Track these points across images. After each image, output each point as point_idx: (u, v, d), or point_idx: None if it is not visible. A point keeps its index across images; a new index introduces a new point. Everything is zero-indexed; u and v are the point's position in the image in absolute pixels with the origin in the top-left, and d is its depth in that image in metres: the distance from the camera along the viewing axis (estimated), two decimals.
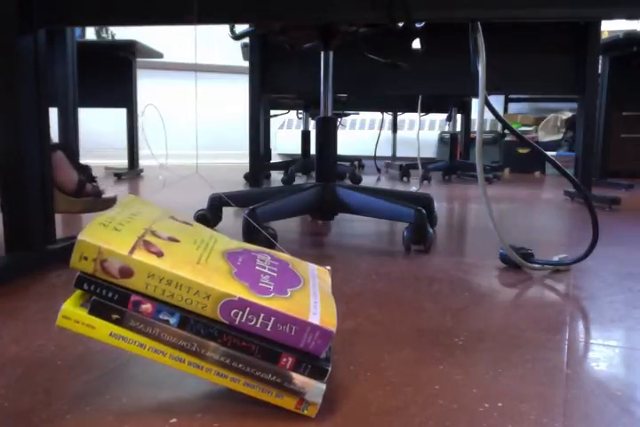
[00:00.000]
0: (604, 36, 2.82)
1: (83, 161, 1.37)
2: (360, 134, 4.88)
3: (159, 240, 0.55)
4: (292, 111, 4.40)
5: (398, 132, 4.56)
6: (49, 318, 0.80)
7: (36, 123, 1.08)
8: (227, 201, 1.53)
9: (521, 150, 4.08)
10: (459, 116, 3.85)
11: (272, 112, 3.95)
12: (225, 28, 1.71)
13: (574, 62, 2.19)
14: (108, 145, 4.35)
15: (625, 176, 3.50)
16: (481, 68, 1.01)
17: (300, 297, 0.56)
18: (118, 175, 3.14)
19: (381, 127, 4.17)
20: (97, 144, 4.26)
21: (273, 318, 0.51)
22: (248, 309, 0.51)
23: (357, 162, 4.23)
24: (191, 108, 4.77)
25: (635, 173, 3.63)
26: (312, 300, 0.56)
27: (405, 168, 3.33)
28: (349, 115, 4.18)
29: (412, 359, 0.67)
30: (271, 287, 0.55)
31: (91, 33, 3.38)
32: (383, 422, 0.52)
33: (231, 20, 1.13)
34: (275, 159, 4.59)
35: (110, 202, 1.34)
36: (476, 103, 3.84)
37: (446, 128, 4.53)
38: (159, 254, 0.53)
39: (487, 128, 4.43)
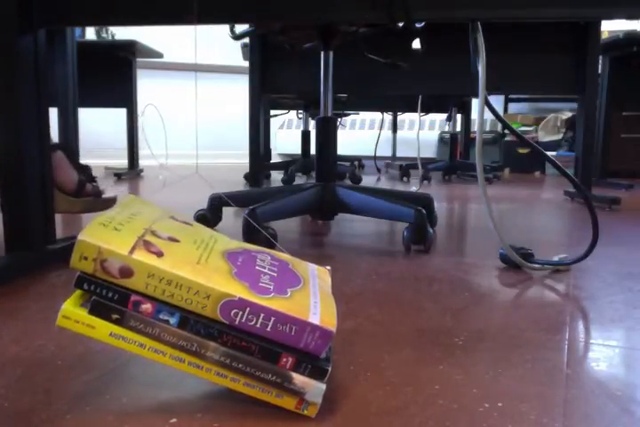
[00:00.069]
0: (604, 36, 2.82)
1: (83, 161, 1.36)
2: (360, 134, 4.88)
3: (159, 240, 0.55)
4: (292, 111, 4.40)
5: (398, 132, 4.56)
6: (49, 318, 0.80)
7: (36, 123, 1.08)
8: (227, 201, 1.53)
9: (521, 150, 4.08)
10: (459, 116, 3.85)
11: (272, 112, 3.95)
12: (225, 28, 1.71)
13: (574, 62, 2.19)
14: (108, 145, 4.35)
15: (625, 176, 3.50)
16: (481, 68, 1.01)
17: (300, 297, 0.56)
18: (118, 175, 3.14)
19: (381, 127, 4.17)
20: (97, 144, 4.26)
21: (273, 318, 0.51)
22: (248, 309, 0.51)
23: (357, 162, 4.23)
24: (191, 108, 4.77)
25: (635, 173, 3.63)
26: (312, 300, 0.56)
27: (405, 168, 3.33)
28: (349, 115, 4.18)
29: (412, 359, 0.67)
30: (271, 287, 0.55)
31: (91, 33, 3.38)
32: (383, 422, 0.52)
33: (231, 20, 1.13)
34: (275, 159, 4.59)
35: (110, 202, 1.34)
36: (476, 103, 3.84)
37: (446, 128, 4.53)
38: (159, 254, 0.53)
39: (487, 128, 4.43)
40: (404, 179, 3.30)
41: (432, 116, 4.63)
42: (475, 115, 4.01)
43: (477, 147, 1.05)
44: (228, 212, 1.84)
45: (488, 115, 4.07)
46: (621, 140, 3.67)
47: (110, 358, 0.65)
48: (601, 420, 0.53)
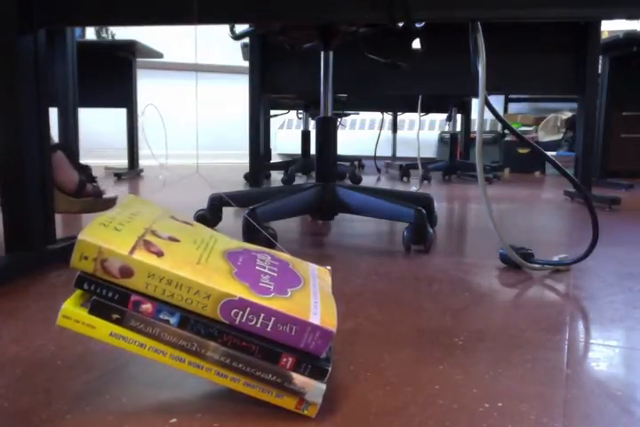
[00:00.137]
0: (604, 36, 2.82)
1: (83, 161, 1.36)
2: (360, 134, 4.88)
3: (159, 240, 0.55)
4: (292, 111, 4.40)
5: (398, 132, 4.56)
6: (49, 318, 0.80)
7: (36, 123, 1.08)
8: (227, 201, 1.53)
9: (521, 150, 4.08)
10: (459, 116, 3.85)
11: (272, 112, 3.95)
12: (225, 28, 1.71)
13: (574, 62, 2.19)
14: (108, 145, 4.35)
15: (625, 176, 3.50)
16: (481, 68, 1.01)
17: (301, 297, 0.56)
18: (118, 175, 3.14)
19: (381, 127, 4.17)
20: (97, 144, 4.26)
21: (273, 318, 0.51)
22: (248, 309, 0.51)
23: (357, 162, 4.23)
24: (191, 108, 4.77)
25: (635, 173, 3.63)
26: (312, 300, 0.56)
27: (405, 168, 3.33)
28: (349, 115, 4.18)
29: (412, 359, 0.67)
30: (271, 287, 0.55)
31: (91, 33, 3.38)
32: (383, 422, 0.52)
33: (231, 20, 1.13)
34: (275, 159, 4.60)
35: (111, 202, 1.34)
36: (476, 103, 3.84)
37: (446, 128, 4.53)
38: (159, 254, 0.53)
39: (487, 128, 4.43)
40: (404, 179, 3.30)
41: (432, 116, 4.63)
42: (475, 115, 4.01)
43: (477, 147, 1.05)
44: (228, 212, 1.84)
45: (488, 115, 4.07)
46: (621, 140, 3.67)
47: (110, 358, 0.65)
48: (601, 420, 0.53)
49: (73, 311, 0.52)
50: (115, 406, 0.54)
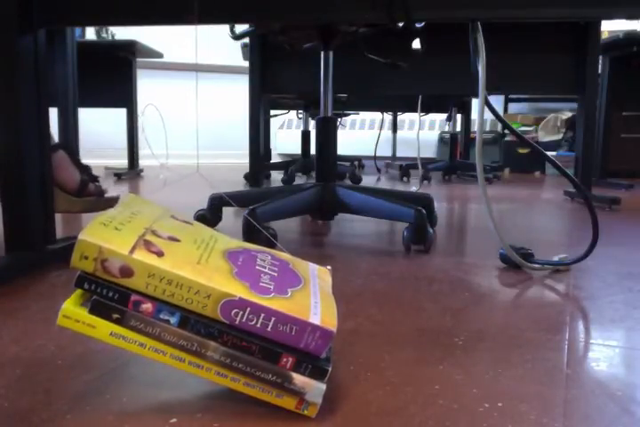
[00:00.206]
0: (604, 36, 2.82)
1: (82, 161, 1.36)
2: (360, 134, 4.88)
3: (160, 240, 0.55)
4: (292, 111, 4.40)
5: (398, 132, 4.56)
6: (49, 318, 0.80)
7: (36, 123, 1.08)
8: (227, 201, 1.53)
9: (521, 150, 4.08)
10: (459, 116, 3.85)
11: (272, 112, 3.95)
12: (225, 28, 1.71)
13: (574, 62, 2.19)
14: (108, 145, 4.35)
15: (625, 176, 3.50)
16: (481, 68, 1.01)
17: (301, 297, 0.56)
18: (118, 175, 3.14)
19: (381, 127, 4.17)
20: (97, 144, 4.26)
21: (273, 318, 0.51)
22: (248, 309, 0.51)
23: (357, 162, 4.23)
24: (191, 108, 4.77)
25: (635, 173, 3.63)
26: (312, 300, 0.56)
27: (405, 168, 3.33)
28: (349, 115, 4.18)
29: (412, 359, 0.67)
30: (272, 287, 0.55)
31: (91, 33, 3.38)
32: (383, 422, 0.52)
33: (231, 20, 1.13)
34: (275, 159, 4.59)
35: (113, 201, 1.34)
36: (476, 103, 3.84)
37: (446, 128, 4.53)
38: (159, 254, 0.53)
39: (487, 128, 4.43)
40: (404, 179, 3.30)
41: (432, 116, 4.63)
42: (475, 115, 4.01)
43: (477, 147, 1.05)
44: (228, 212, 1.84)
45: (488, 115, 4.07)
46: (621, 140, 3.67)
47: (110, 358, 0.65)
48: (601, 420, 0.53)
49: (73, 311, 0.52)
50: (115, 406, 0.54)
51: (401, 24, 1.30)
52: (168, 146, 4.29)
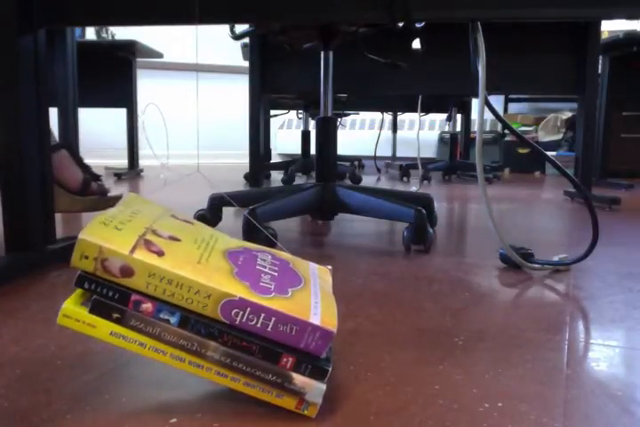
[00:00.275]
0: (604, 36, 2.82)
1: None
2: (360, 134, 4.88)
3: (160, 239, 0.55)
4: (292, 111, 4.40)
5: (398, 132, 4.56)
6: (49, 317, 0.80)
7: (36, 123, 1.08)
8: (227, 201, 1.53)
9: (521, 150, 4.08)
10: (459, 116, 3.85)
11: (272, 112, 3.95)
12: (225, 28, 1.71)
13: (574, 62, 2.19)
14: (108, 145, 4.35)
15: (625, 176, 3.50)
16: (481, 68, 1.01)
17: (301, 297, 0.56)
18: (118, 175, 3.14)
19: (381, 127, 4.17)
20: (97, 144, 4.26)
21: (274, 318, 0.51)
22: (249, 309, 0.51)
23: (357, 162, 4.23)
24: (191, 108, 4.77)
25: (635, 173, 3.63)
26: (313, 300, 0.56)
27: (405, 168, 3.33)
28: (349, 115, 4.18)
29: (412, 359, 0.67)
30: (272, 287, 0.55)
31: (91, 33, 3.38)
32: (383, 422, 0.52)
33: (231, 20, 1.13)
34: (275, 159, 4.59)
35: (115, 200, 1.33)
36: (476, 103, 3.84)
37: (446, 128, 4.53)
38: (160, 254, 0.53)
39: (487, 128, 4.43)
40: (404, 179, 3.30)
41: (432, 116, 4.63)
42: (475, 115, 4.01)
43: (477, 147, 1.05)
44: (228, 212, 1.84)
45: (488, 115, 4.07)
46: (621, 140, 3.67)
47: (110, 358, 0.65)
48: (601, 420, 0.53)
49: (73, 310, 0.52)
50: (115, 406, 0.54)
51: (401, 24, 1.30)
52: (169, 146, 4.29)
